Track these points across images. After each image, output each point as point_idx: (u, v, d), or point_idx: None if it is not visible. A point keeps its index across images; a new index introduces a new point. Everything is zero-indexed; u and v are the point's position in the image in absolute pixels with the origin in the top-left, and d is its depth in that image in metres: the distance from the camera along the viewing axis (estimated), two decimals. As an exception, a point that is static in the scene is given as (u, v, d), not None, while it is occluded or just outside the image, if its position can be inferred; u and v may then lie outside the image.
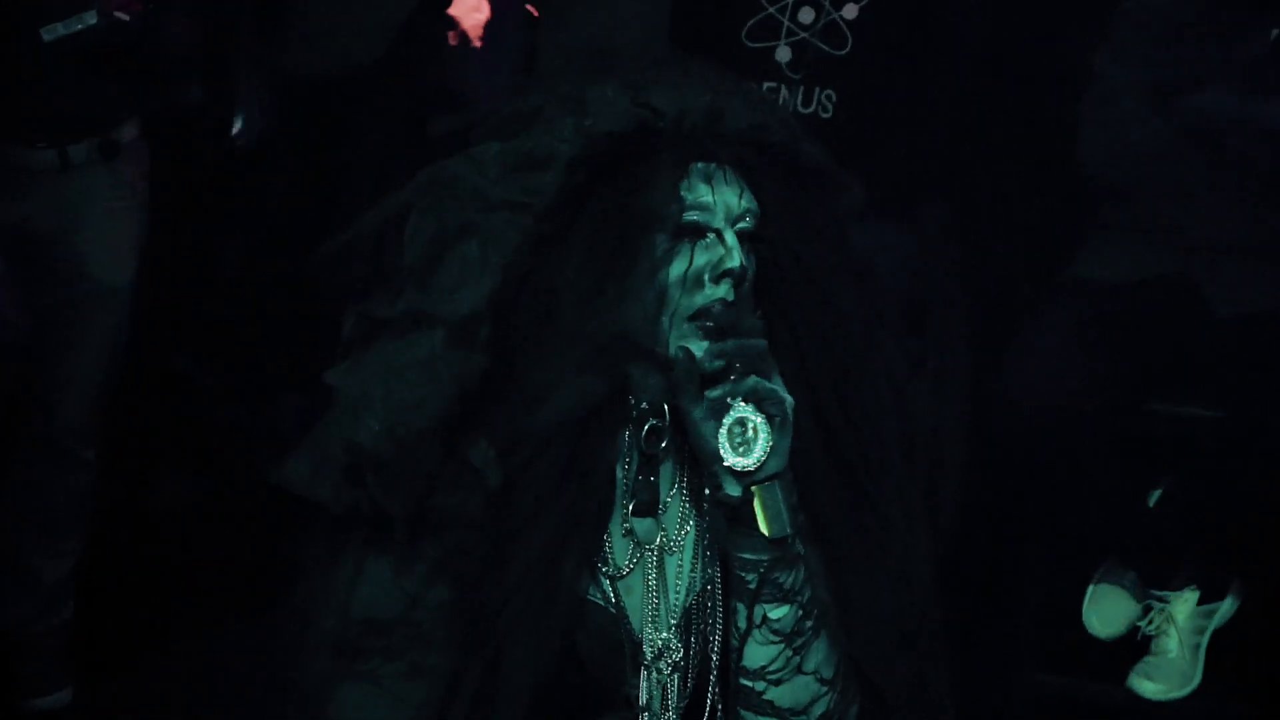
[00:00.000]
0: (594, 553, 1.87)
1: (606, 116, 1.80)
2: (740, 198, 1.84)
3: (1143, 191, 3.34)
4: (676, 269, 1.81)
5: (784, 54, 3.36)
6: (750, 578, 1.83)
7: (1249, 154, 3.23)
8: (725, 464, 1.76)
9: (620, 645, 1.87)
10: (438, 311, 1.77)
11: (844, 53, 3.37)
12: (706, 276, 1.82)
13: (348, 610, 1.81)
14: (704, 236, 1.82)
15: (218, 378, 4.20)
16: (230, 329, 4.16)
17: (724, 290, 1.82)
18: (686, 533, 1.91)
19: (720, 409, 1.78)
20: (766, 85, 3.34)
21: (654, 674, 1.89)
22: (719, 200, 1.82)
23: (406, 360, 1.78)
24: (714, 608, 1.89)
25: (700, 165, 1.83)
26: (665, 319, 1.81)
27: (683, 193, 1.81)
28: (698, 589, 1.89)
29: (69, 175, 3.37)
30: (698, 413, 1.79)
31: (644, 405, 1.86)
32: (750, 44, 3.38)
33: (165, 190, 3.65)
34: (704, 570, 1.90)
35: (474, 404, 1.79)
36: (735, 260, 1.81)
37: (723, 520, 1.82)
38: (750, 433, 1.77)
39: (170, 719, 3.58)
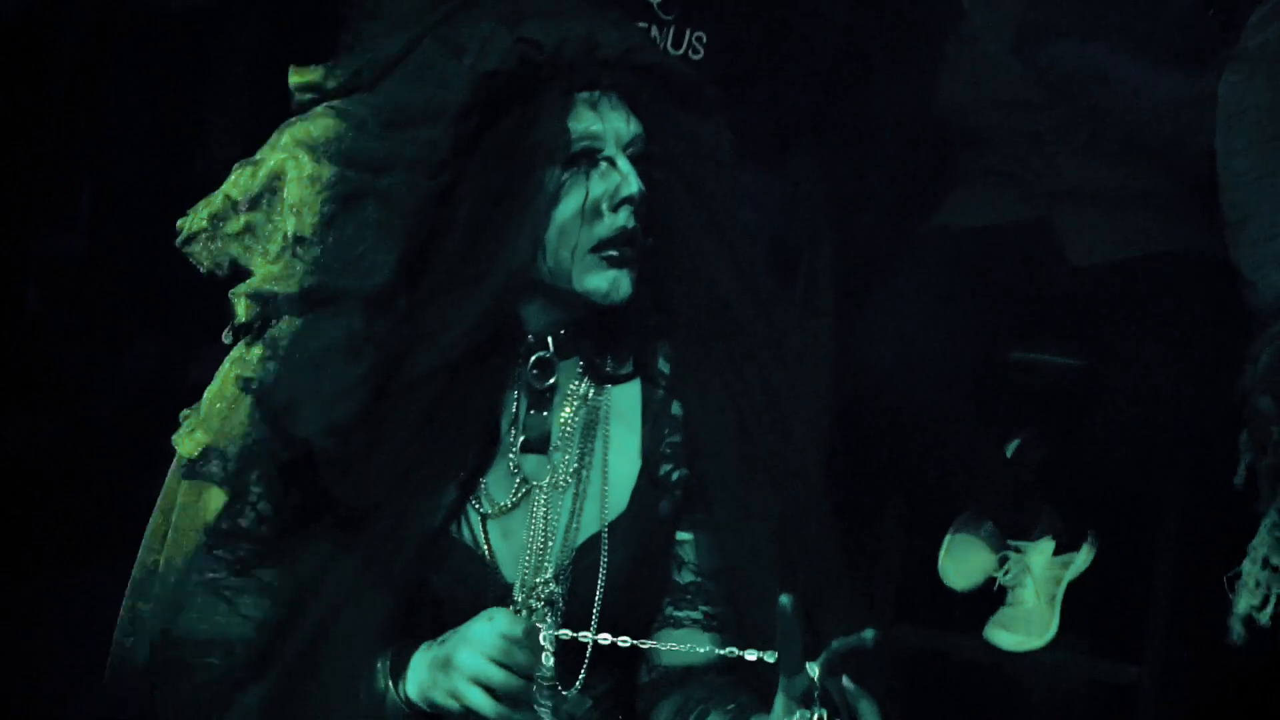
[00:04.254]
0: (469, 492, 1.87)
1: (489, 56, 1.80)
2: (628, 123, 1.86)
3: (1001, 138, 3.37)
4: (573, 201, 1.83)
5: (649, -12, 3.42)
6: None
7: (1108, 107, 3.26)
8: None
9: (483, 589, 1.87)
10: (345, 286, 1.76)
11: (708, -10, 3.38)
12: (605, 205, 1.84)
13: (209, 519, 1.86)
14: (597, 165, 1.84)
15: (69, 317, 4.16)
16: (83, 267, 4.14)
17: (624, 218, 1.84)
18: (580, 474, 1.91)
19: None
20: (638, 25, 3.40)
21: (525, 613, 1.89)
22: (608, 127, 1.84)
23: (325, 345, 1.78)
24: (598, 559, 1.89)
25: (585, 95, 1.84)
26: (566, 253, 1.81)
27: (570, 124, 1.82)
28: (587, 534, 1.90)
29: None
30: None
31: (530, 338, 1.85)
32: (612, -30, 3.44)
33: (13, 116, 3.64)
34: (595, 517, 1.90)
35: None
36: (633, 185, 1.83)
37: None
38: None
39: (16, 659, 3.53)
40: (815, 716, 1.72)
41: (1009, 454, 3.42)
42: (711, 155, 1.96)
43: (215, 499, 1.89)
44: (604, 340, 1.94)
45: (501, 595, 1.88)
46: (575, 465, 1.93)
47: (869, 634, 1.68)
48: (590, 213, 1.85)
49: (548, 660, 1.86)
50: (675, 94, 1.93)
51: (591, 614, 1.89)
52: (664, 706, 1.93)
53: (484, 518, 1.91)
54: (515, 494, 1.90)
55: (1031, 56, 3.31)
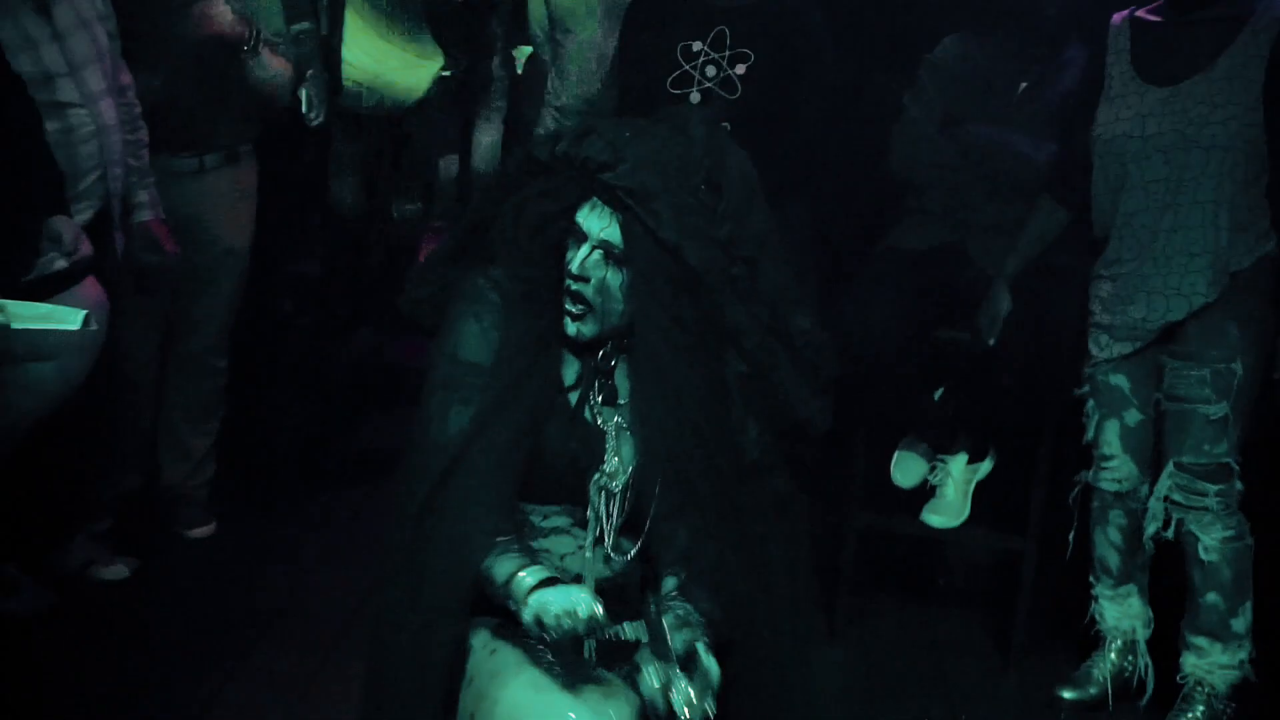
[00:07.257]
0: (593, 390, 2.21)
1: (538, 147, 2.24)
2: (603, 230, 2.16)
3: (931, 188, 3.86)
4: (568, 257, 2.22)
5: (695, 98, 3.79)
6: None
7: (1002, 167, 3.79)
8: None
9: (597, 456, 2.20)
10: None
11: (735, 97, 3.79)
12: (569, 271, 2.19)
13: (453, 350, 2.19)
14: (580, 244, 2.19)
15: (310, 316, 4.69)
16: (318, 282, 4.65)
17: (569, 282, 2.17)
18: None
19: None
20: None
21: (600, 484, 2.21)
22: (587, 225, 2.19)
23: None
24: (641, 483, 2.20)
25: (596, 199, 2.17)
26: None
27: (578, 212, 2.18)
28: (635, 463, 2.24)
29: (205, 175, 4.05)
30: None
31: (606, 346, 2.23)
32: (672, 91, 3.81)
33: (270, 186, 4.26)
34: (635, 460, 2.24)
35: None
36: (571, 267, 2.16)
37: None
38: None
39: (282, 549, 4.25)
40: (664, 671, 1.90)
41: (936, 398, 3.95)
42: (670, 281, 2.09)
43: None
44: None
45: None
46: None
47: (650, 605, 2.00)
48: (568, 270, 2.16)
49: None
50: (648, 229, 2.10)
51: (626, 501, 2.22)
52: (667, 580, 2.22)
53: (593, 413, 2.21)
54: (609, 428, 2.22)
55: (952, 135, 3.83)
